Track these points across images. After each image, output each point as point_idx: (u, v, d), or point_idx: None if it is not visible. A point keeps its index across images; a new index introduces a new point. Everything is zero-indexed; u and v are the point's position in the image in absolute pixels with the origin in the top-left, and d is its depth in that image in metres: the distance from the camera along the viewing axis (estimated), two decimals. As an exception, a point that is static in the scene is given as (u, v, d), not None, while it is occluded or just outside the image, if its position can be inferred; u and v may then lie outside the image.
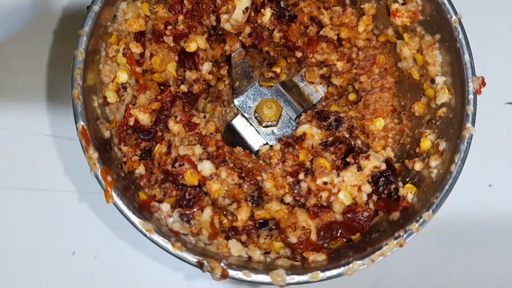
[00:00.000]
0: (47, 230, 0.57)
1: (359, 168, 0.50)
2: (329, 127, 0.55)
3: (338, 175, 0.50)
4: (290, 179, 0.52)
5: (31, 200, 0.57)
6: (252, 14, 0.54)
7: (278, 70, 0.61)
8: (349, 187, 0.49)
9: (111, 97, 0.49)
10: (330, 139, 0.54)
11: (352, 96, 0.59)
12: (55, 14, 0.60)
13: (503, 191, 0.59)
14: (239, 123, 0.59)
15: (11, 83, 0.60)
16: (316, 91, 0.60)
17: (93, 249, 0.57)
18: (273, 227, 0.49)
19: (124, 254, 0.57)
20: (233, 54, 0.58)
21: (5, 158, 0.59)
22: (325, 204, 0.50)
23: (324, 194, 0.49)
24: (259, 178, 0.51)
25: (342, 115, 0.56)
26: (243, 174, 0.52)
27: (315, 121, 0.56)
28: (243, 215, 0.48)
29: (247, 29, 0.55)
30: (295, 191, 0.51)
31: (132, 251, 0.57)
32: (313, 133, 0.55)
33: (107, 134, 0.48)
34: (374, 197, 0.50)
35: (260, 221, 0.49)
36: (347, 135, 0.53)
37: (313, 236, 0.48)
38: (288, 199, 0.51)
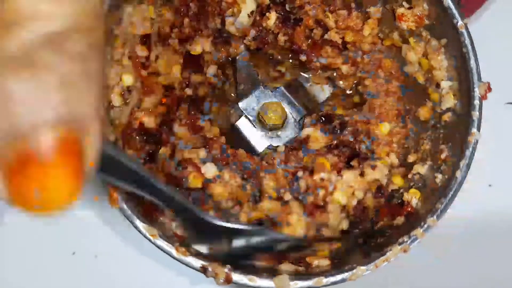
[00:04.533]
0: (47, 230, 0.57)
1: (362, 174, 0.50)
2: (333, 131, 0.55)
3: (338, 175, 0.51)
4: (290, 177, 0.52)
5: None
6: (257, 17, 0.54)
7: (283, 69, 0.61)
8: (345, 187, 0.50)
9: (116, 100, 0.49)
10: (335, 142, 0.54)
11: (356, 99, 0.59)
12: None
13: (503, 191, 0.58)
14: (243, 124, 0.59)
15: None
16: (322, 90, 0.60)
17: (93, 249, 0.57)
18: (269, 224, 0.49)
19: (125, 255, 0.57)
20: (237, 57, 0.58)
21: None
22: (321, 204, 0.50)
23: (321, 192, 0.50)
24: (261, 174, 0.52)
25: (346, 118, 0.56)
26: (245, 176, 0.52)
27: (319, 124, 0.56)
28: (245, 217, 0.49)
29: (252, 33, 0.55)
30: (293, 188, 0.51)
31: (133, 251, 0.56)
32: (317, 136, 0.55)
33: (112, 137, 0.48)
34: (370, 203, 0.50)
35: (255, 221, 0.49)
36: (351, 139, 0.53)
37: (300, 231, 0.49)
38: (288, 196, 0.51)
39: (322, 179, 0.50)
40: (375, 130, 0.54)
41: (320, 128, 0.55)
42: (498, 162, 0.58)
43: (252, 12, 0.53)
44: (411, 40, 0.52)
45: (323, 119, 0.56)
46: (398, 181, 0.51)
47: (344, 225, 0.50)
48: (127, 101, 0.50)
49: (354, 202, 0.50)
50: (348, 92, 0.59)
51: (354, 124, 0.55)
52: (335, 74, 0.58)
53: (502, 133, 0.57)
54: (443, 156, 0.49)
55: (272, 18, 0.54)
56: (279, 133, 0.58)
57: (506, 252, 0.57)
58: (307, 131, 0.55)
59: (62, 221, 0.57)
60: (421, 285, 0.56)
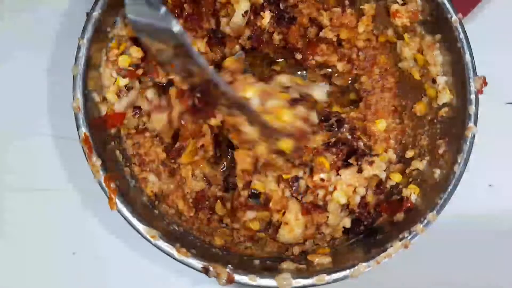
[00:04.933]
0: (47, 230, 0.57)
1: (360, 171, 0.50)
2: (330, 128, 0.55)
3: (337, 174, 0.51)
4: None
5: (31, 200, 0.57)
6: (252, 17, 0.54)
7: (278, 68, 0.61)
8: (345, 186, 0.50)
9: (112, 99, 0.49)
10: (332, 140, 0.54)
11: (353, 96, 0.59)
12: (56, 17, 0.60)
13: (503, 191, 0.59)
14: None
15: (11, 83, 0.59)
16: (319, 88, 0.60)
17: (93, 249, 0.57)
18: (262, 202, 0.50)
19: (125, 255, 0.56)
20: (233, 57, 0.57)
21: (6, 158, 0.58)
22: (321, 203, 0.51)
23: (321, 192, 0.50)
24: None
25: (343, 116, 0.56)
26: None
27: (316, 122, 0.56)
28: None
29: (247, 32, 0.55)
30: (294, 188, 0.52)
31: (133, 251, 0.56)
32: (315, 134, 0.55)
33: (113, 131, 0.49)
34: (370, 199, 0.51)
35: (253, 191, 0.50)
36: (349, 137, 0.53)
37: (297, 230, 0.50)
38: (287, 193, 0.52)
39: (322, 180, 0.51)
40: (372, 127, 0.54)
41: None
42: (498, 162, 0.58)
43: (246, 12, 0.53)
44: (406, 36, 0.52)
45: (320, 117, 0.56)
46: (396, 178, 0.51)
47: (347, 223, 0.50)
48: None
49: (357, 199, 0.50)
50: (344, 89, 0.59)
51: (351, 122, 0.55)
52: (331, 71, 0.58)
53: (502, 133, 0.58)
54: (440, 151, 0.49)
55: (266, 17, 0.54)
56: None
57: (506, 251, 0.58)
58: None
59: (62, 221, 0.57)
60: (422, 281, 0.57)
